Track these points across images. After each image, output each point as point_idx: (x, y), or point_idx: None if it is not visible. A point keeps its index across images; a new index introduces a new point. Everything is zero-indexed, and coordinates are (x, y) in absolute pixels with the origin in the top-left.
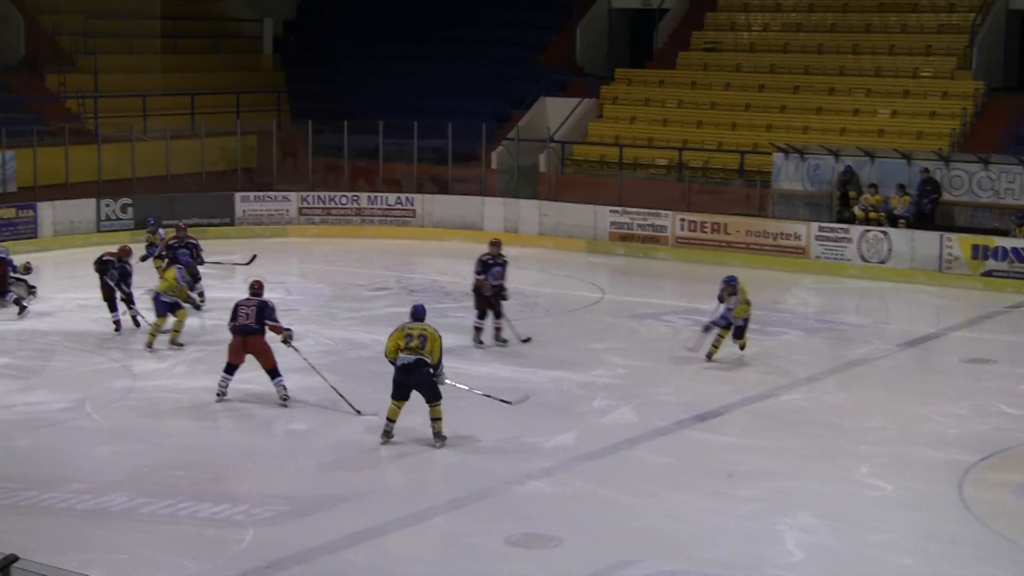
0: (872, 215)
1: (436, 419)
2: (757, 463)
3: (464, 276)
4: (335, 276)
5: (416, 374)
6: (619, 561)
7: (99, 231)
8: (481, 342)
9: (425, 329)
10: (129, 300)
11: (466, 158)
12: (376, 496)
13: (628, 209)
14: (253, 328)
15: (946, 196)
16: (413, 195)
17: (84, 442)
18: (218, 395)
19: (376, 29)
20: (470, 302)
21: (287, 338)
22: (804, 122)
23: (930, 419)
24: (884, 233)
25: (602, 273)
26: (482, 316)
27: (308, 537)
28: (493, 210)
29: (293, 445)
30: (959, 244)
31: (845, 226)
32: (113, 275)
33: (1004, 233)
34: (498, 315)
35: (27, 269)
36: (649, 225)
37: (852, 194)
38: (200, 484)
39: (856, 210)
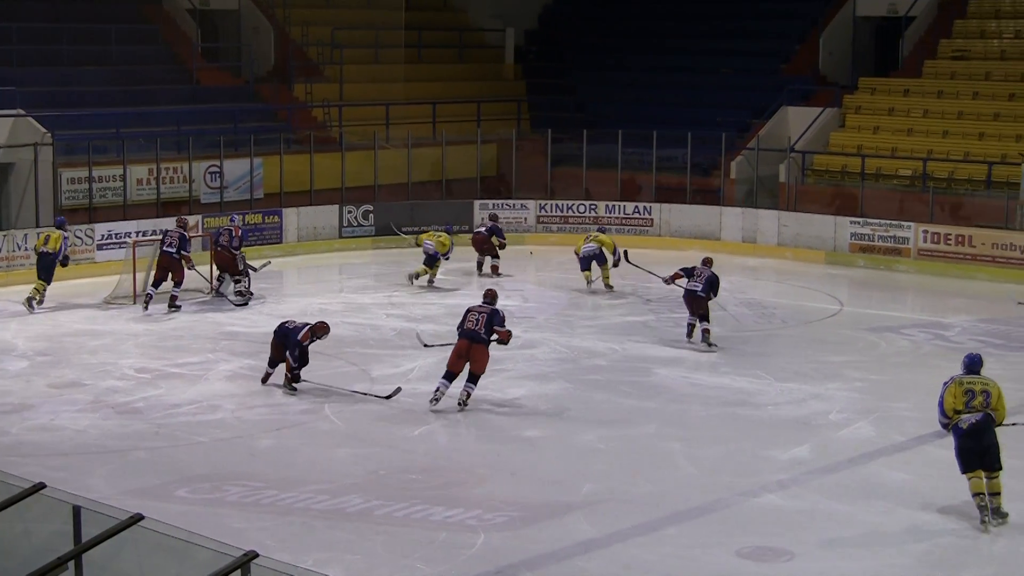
0: None
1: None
2: (1003, 481)
3: None
4: (572, 284)
5: (988, 436)
6: None
7: (341, 237)
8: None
9: (987, 384)
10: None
11: (705, 168)
12: (609, 505)
13: (870, 220)
14: (480, 336)
15: None
16: (651, 204)
17: (323, 444)
18: (432, 400)
19: (617, 39)
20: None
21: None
22: None
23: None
24: None
25: (841, 285)
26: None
27: (539, 544)
28: (731, 220)
29: (526, 452)
30: None
31: None
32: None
33: None
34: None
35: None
36: (891, 237)
37: None
38: (434, 488)
39: None
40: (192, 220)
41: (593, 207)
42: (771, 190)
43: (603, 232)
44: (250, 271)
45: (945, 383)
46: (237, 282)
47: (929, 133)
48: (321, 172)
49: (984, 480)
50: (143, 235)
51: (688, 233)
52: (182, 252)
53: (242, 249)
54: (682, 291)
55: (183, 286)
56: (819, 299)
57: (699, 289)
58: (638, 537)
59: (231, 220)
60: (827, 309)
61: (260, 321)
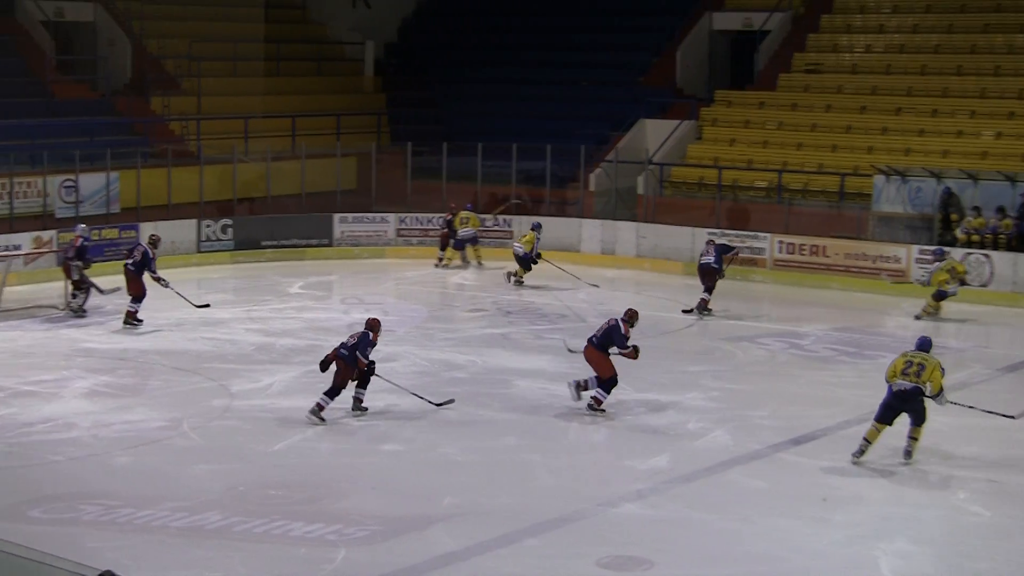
0: (975, 238)
1: (914, 439)
2: (853, 488)
3: (560, 298)
4: (431, 297)
5: (911, 401)
6: None
7: (199, 251)
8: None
9: (926, 359)
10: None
11: (565, 180)
12: (470, 518)
13: (727, 231)
14: (593, 342)
15: None
16: (511, 217)
17: (181, 460)
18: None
19: (476, 52)
20: (566, 323)
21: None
22: (906, 144)
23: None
24: (986, 256)
25: (699, 295)
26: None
27: (400, 557)
28: (591, 232)
29: (387, 466)
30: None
31: (947, 249)
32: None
33: None
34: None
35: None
36: (747, 247)
37: (954, 217)
38: (294, 503)
39: (958, 233)
40: (47, 235)
41: (451, 220)
42: (629, 202)
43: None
44: (94, 289)
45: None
46: (74, 296)
47: (784, 145)
48: (179, 186)
49: (878, 432)
50: None
51: (548, 245)
52: (143, 269)
53: (92, 265)
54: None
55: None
56: (678, 310)
57: (712, 261)
58: (499, 549)
59: (73, 230)
60: (685, 320)
61: (116, 338)
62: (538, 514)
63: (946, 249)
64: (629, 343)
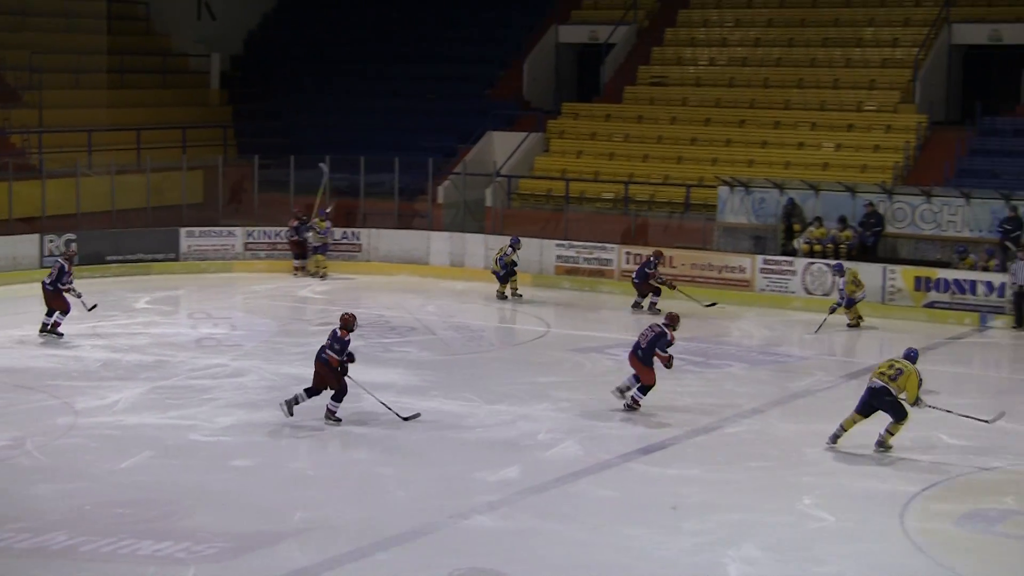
0: (816, 248)
1: (890, 433)
2: (702, 496)
3: (409, 310)
4: (280, 311)
5: (878, 398)
6: None
7: (42, 267)
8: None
9: (906, 366)
10: None
11: (413, 193)
12: (321, 533)
13: (574, 243)
14: (638, 351)
15: (889, 229)
16: (359, 230)
17: (25, 480)
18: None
19: (323, 64)
20: (415, 336)
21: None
22: (749, 155)
23: (873, 450)
24: (827, 266)
25: (548, 307)
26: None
27: (251, 573)
28: (439, 244)
29: (237, 481)
30: (902, 276)
31: (790, 259)
32: None
33: (946, 265)
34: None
35: None
36: (595, 259)
37: (796, 227)
38: (142, 521)
39: (800, 243)
40: None
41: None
42: (478, 214)
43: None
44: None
45: None
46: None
47: (630, 157)
48: (20, 200)
49: (854, 422)
50: None
51: (397, 258)
52: (57, 284)
53: None
54: None
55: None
56: (527, 321)
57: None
58: (349, 564)
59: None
60: (534, 331)
61: None
62: (389, 527)
63: (843, 263)
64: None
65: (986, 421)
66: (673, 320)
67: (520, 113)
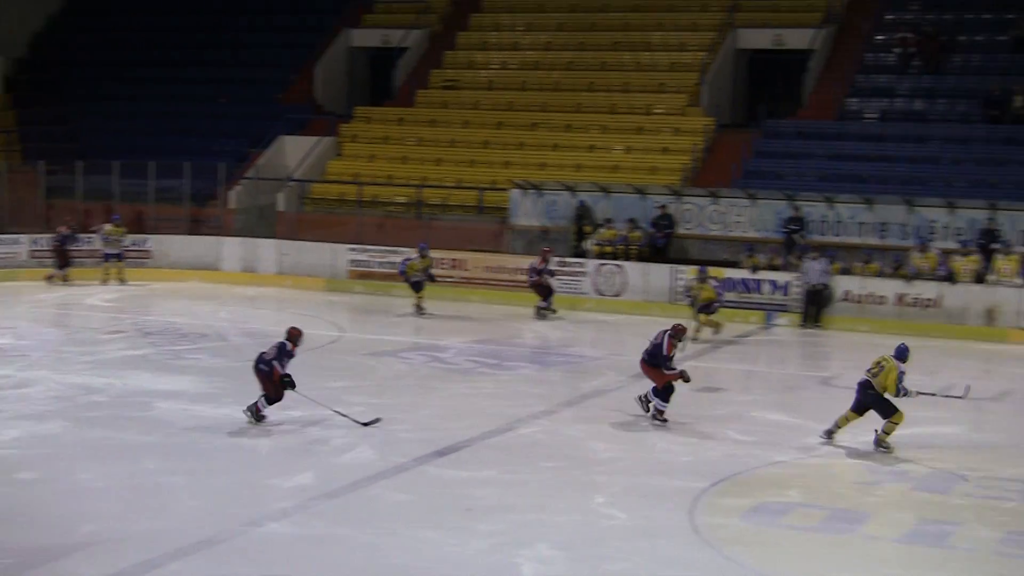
0: (607, 249)
1: (885, 432)
2: (496, 497)
3: (201, 317)
4: (67, 320)
5: (863, 392)
6: None
7: None
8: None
9: (888, 362)
10: None
11: (204, 198)
12: (109, 545)
13: (367, 247)
14: (644, 356)
15: (679, 230)
16: (148, 236)
17: None
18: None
19: (113, 68)
20: (207, 343)
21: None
22: (541, 158)
23: (663, 447)
24: (618, 267)
25: (341, 311)
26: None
27: None
28: (231, 250)
29: (21, 495)
30: (691, 275)
31: (581, 260)
32: None
33: (734, 265)
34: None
35: None
36: (388, 263)
37: (587, 229)
38: None
39: (590, 244)
40: None
41: (90, 240)
42: (270, 219)
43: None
44: None
45: None
46: None
47: (423, 161)
48: None
49: (847, 420)
50: None
51: (188, 264)
52: None
53: None
54: None
55: None
56: (320, 326)
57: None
58: (140, 575)
59: None
60: (328, 336)
61: None
62: (181, 538)
63: (706, 269)
64: (672, 363)
65: (959, 397)
66: (678, 332)
67: (312, 117)
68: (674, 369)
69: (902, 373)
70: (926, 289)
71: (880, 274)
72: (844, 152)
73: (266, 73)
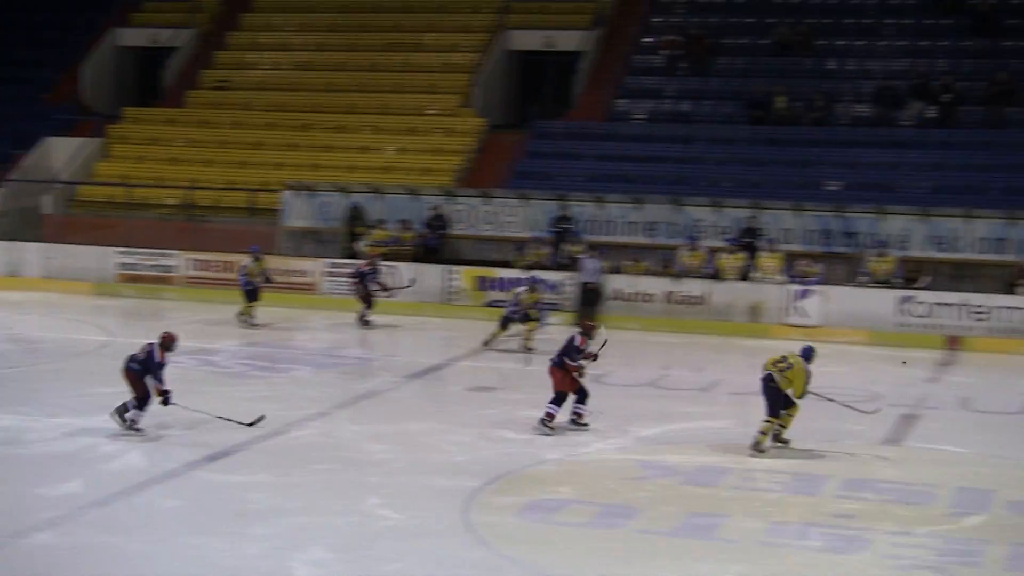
0: (380, 250)
1: (780, 428)
2: (269, 501)
3: None
4: None
5: (764, 384)
6: None
7: None
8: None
9: (797, 362)
10: None
11: None
12: None
13: (137, 250)
14: (553, 360)
15: (452, 230)
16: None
17: None
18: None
19: None
20: None
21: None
22: (314, 160)
23: (437, 448)
24: (392, 267)
25: (110, 316)
26: None
27: None
28: None
29: None
30: (463, 276)
31: (355, 262)
32: None
33: (506, 264)
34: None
35: None
36: (158, 265)
37: (360, 230)
38: None
39: (363, 245)
40: None
41: None
42: (35, 222)
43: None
44: None
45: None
46: None
47: (194, 162)
48: None
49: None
50: None
51: None
52: None
53: None
54: None
55: None
56: (88, 331)
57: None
58: None
59: None
60: (97, 341)
61: None
62: None
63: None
64: (580, 360)
65: (867, 412)
66: (588, 329)
67: (80, 118)
68: (578, 363)
69: (810, 376)
70: (694, 287)
71: (649, 272)
72: (613, 152)
73: (31, 73)
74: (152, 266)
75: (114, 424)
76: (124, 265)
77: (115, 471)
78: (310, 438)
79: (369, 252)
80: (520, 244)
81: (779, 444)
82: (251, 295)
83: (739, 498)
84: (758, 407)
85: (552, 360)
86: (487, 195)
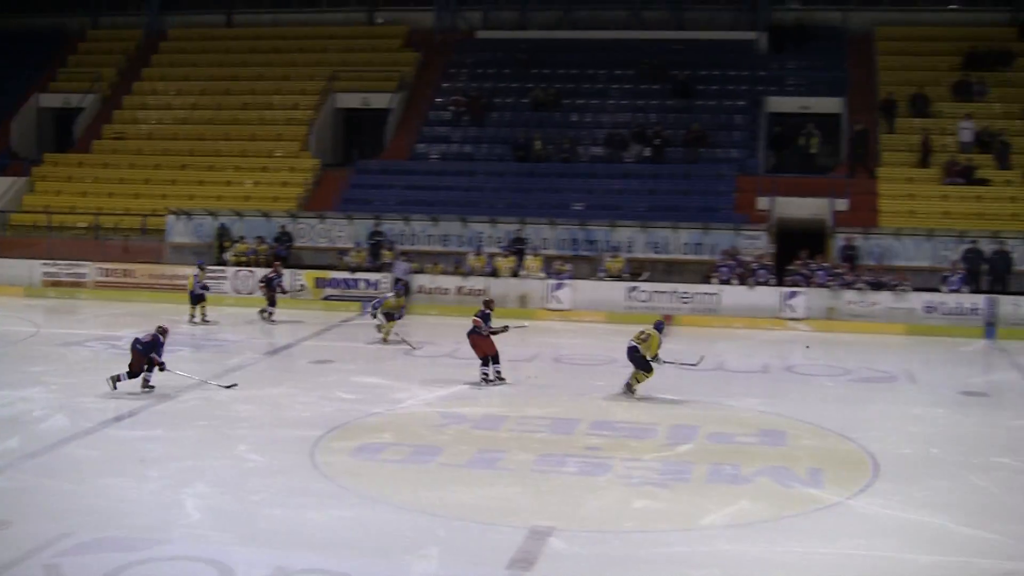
0: (242, 259)
1: (637, 381)
2: (163, 450)
3: None
4: None
5: (630, 354)
6: (60, 535)
7: None
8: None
9: (652, 334)
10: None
11: None
12: None
13: (57, 261)
14: (472, 329)
15: (297, 243)
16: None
17: None
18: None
19: None
20: None
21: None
22: (191, 192)
23: (289, 407)
24: (250, 271)
25: (37, 312)
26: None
27: None
28: None
29: None
30: (306, 277)
31: (223, 268)
32: None
33: (335, 268)
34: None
35: None
36: (74, 273)
37: (226, 244)
38: None
39: (229, 256)
40: None
41: None
42: None
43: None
44: None
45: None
46: None
47: (99, 194)
48: None
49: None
50: None
51: None
52: None
53: None
54: None
55: None
56: (20, 324)
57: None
58: None
59: None
60: (27, 331)
61: None
62: None
63: (403, 286)
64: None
65: (693, 365)
66: (489, 305)
67: (10, 162)
68: (489, 329)
69: (661, 342)
70: (478, 282)
71: (444, 272)
72: (416, 183)
73: None
74: (69, 274)
75: (44, 394)
76: (47, 273)
77: (45, 430)
78: (193, 402)
79: (275, 262)
80: (346, 252)
81: (629, 392)
82: (197, 299)
83: (514, 438)
84: (530, 370)
85: (468, 331)
86: (322, 216)
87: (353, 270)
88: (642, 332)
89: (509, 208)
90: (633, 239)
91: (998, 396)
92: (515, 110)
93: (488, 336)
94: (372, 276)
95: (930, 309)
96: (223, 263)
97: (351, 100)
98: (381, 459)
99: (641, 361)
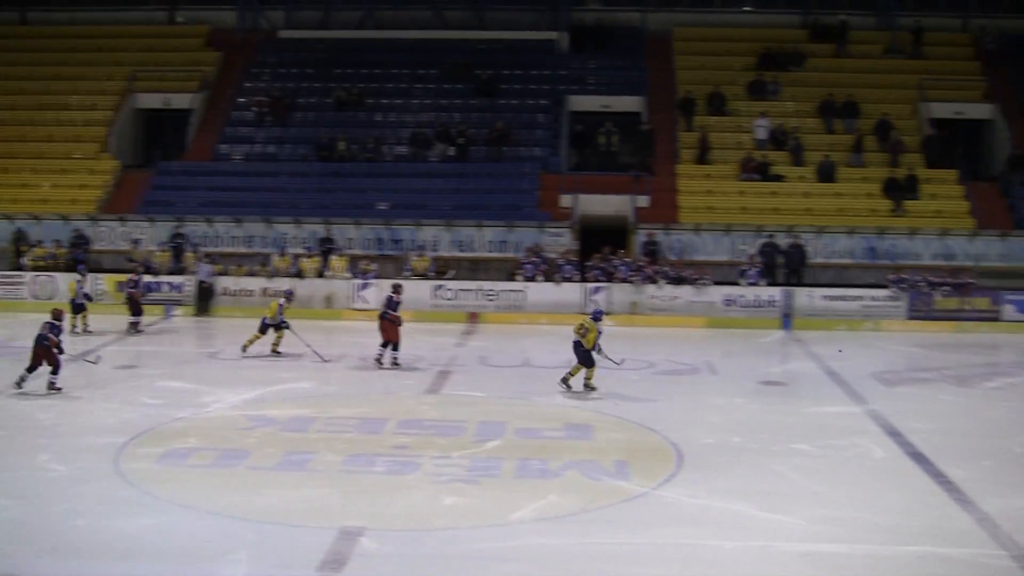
0: (40, 264)
1: (586, 378)
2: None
3: None
4: None
5: (575, 348)
6: None
7: None
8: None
9: (591, 326)
10: None
11: None
12: None
13: None
14: (383, 313)
15: (96, 246)
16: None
17: None
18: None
19: None
20: None
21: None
22: None
23: (92, 413)
24: (50, 276)
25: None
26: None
27: None
28: None
29: None
30: (106, 281)
31: (20, 273)
32: None
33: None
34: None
35: None
36: None
37: (24, 248)
38: None
39: (26, 260)
40: None
41: None
42: None
43: None
44: None
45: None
46: None
47: None
48: None
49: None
50: None
51: None
52: None
53: None
54: None
55: None
56: None
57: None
58: None
59: None
60: None
61: None
62: None
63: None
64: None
65: (617, 363)
66: (397, 289)
67: None
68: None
69: (600, 333)
70: (283, 284)
71: (249, 274)
72: (219, 185)
73: None
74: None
75: None
76: None
77: None
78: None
79: (135, 269)
80: (130, 254)
81: (564, 387)
82: (78, 308)
83: (323, 439)
84: (334, 372)
85: (380, 314)
86: (123, 219)
87: (145, 270)
88: (581, 325)
89: (314, 208)
90: (438, 238)
91: (795, 385)
92: (319, 110)
93: (394, 322)
94: (175, 279)
95: (729, 302)
96: (20, 268)
97: (152, 100)
98: (187, 464)
99: (585, 356)
